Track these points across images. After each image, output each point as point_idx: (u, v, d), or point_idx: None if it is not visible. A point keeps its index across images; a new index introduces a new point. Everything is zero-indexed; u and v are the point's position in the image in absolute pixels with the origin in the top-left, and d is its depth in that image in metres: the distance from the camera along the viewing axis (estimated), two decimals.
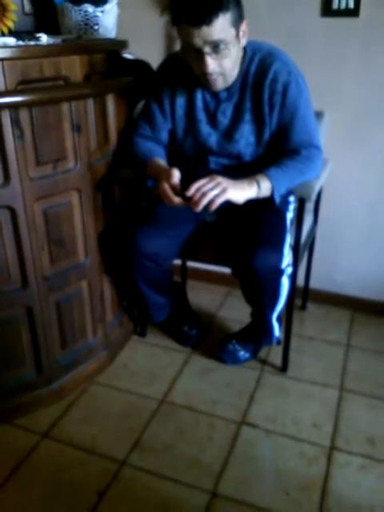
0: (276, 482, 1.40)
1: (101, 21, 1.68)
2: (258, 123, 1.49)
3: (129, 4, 1.88)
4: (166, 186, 1.36)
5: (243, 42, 1.38)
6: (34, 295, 1.50)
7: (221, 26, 1.27)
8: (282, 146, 1.50)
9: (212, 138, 1.55)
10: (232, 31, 1.31)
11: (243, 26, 1.35)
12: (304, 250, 1.78)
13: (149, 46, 1.89)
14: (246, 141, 1.53)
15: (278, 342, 1.81)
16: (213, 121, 1.53)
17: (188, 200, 1.33)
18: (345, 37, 1.78)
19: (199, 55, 1.33)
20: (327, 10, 1.77)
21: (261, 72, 1.43)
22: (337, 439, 1.53)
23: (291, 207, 1.64)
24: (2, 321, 1.48)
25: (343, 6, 1.74)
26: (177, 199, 1.35)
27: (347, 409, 1.65)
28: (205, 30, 1.27)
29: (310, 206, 1.89)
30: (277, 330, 1.72)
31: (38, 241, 1.45)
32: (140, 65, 1.66)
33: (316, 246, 2.07)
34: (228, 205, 1.35)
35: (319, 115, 1.74)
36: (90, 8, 1.65)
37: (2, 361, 1.53)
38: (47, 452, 1.49)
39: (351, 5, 1.73)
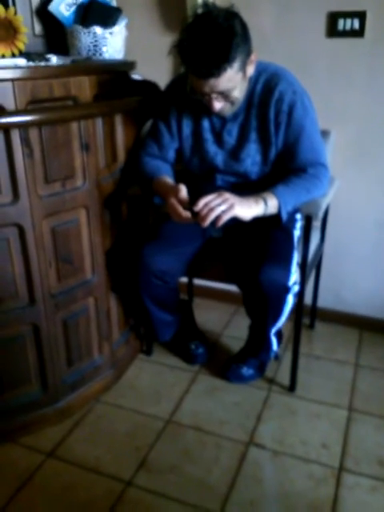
0: (284, 504, 1.37)
1: (109, 42, 1.71)
2: (264, 142, 1.50)
3: (137, 26, 1.92)
4: (175, 201, 1.37)
5: (250, 71, 1.39)
6: (40, 313, 1.50)
7: (228, 77, 1.30)
8: (288, 165, 1.50)
9: (218, 157, 1.56)
10: (239, 75, 1.33)
11: (251, 58, 1.36)
12: (311, 268, 1.78)
13: (156, 66, 1.92)
14: (252, 160, 1.53)
15: (276, 357, 1.82)
16: (219, 140, 1.54)
17: (195, 215, 1.33)
18: (350, 57, 1.80)
19: (206, 98, 1.38)
20: (333, 31, 1.79)
21: (266, 92, 1.45)
22: (346, 460, 1.50)
23: (298, 225, 1.64)
24: (9, 338, 1.48)
25: (349, 27, 1.76)
26: (185, 213, 1.36)
27: (356, 429, 1.62)
28: (212, 81, 1.30)
29: (317, 224, 1.89)
30: (275, 345, 1.72)
31: (45, 258, 1.45)
32: (148, 85, 1.68)
33: (324, 265, 2.07)
34: (235, 221, 1.36)
35: (326, 134, 1.75)
36: (98, 30, 1.68)
37: (7, 379, 1.53)
38: (52, 472, 1.47)
39: (356, 26, 1.75)
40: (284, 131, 1.47)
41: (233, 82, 1.33)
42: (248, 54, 1.33)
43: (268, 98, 1.44)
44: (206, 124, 1.54)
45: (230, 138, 1.53)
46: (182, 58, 1.33)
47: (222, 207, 1.31)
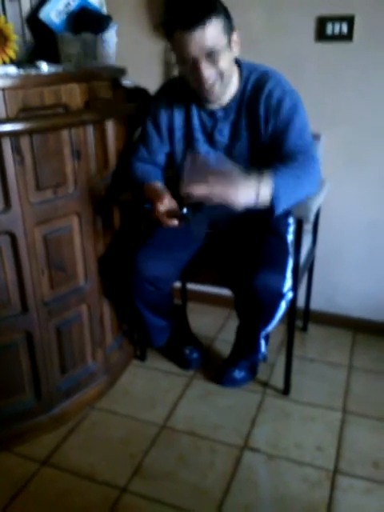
0: (279, 507, 1.37)
1: (100, 49, 1.71)
2: (256, 140, 1.50)
3: (127, 32, 1.92)
4: (159, 212, 1.40)
5: (235, 51, 1.40)
6: (33, 320, 1.49)
7: (213, 31, 1.30)
8: (277, 152, 1.46)
9: (210, 156, 1.55)
10: (224, 38, 1.34)
11: (234, 36, 1.38)
12: (303, 271, 1.78)
13: (147, 72, 1.93)
14: (244, 158, 1.53)
15: (265, 359, 1.83)
16: (211, 140, 1.55)
17: (184, 218, 1.34)
18: (339, 60, 1.82)
19: (195, 66, 1.35)
20: (321, 35, 1.80)
21: (256, 90, 1.45)
22: (340, 462, 1.50)
23: (291, 229, 1.64)
24: (2, 346, 1.47)
25: (337, 31, 1.78)
26: (172, 222, 1.38)
27: (350, 431, 1.63)
28: (198, 34, 1.29)
29: (308, 228, 1.90)
30: (263, 347, 1.73)
31: (38, 265, 1.45)
32: (139, 92, 1.68)
33: (316, 268, 2.07)
34: (226, 211, 1.30)
35: (316, 137, 1.75)
36: (89, 36, 1.68)
37: (1, 387, 1.52)
38: (47, 479, 1.46)
39: (345, 30, 1.77)
40: (273, 123, 1.45)
41: (218, 41, 1.32)
42: (231, 26, 1.35)
43: (258, 96, 1.45)
44: (196, 123, 1.53)
45: (222, 137, 1.53)
46: (168, 20, 1.34)
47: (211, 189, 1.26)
